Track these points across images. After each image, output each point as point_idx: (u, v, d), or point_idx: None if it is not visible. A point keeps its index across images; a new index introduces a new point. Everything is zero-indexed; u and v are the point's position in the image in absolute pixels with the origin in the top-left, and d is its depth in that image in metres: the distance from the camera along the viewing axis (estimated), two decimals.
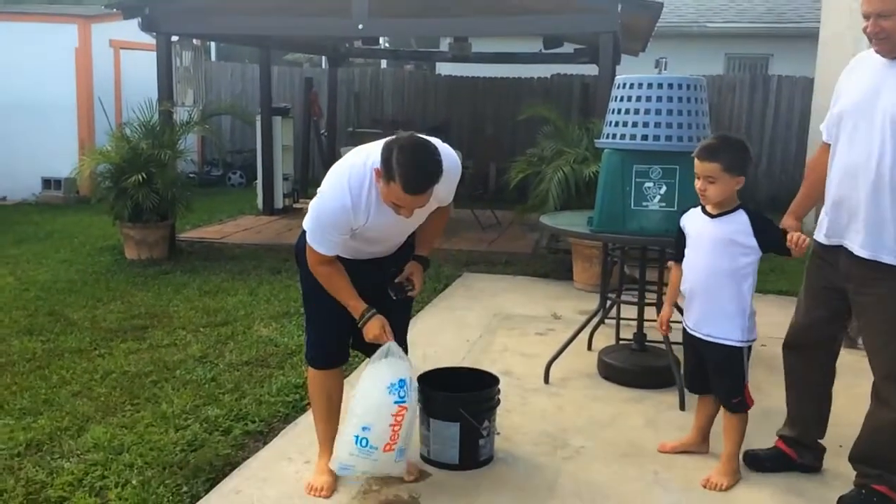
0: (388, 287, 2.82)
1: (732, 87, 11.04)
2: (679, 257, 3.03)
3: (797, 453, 3.07)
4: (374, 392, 2.71)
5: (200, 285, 6.06)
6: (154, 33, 7.35)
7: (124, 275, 6.40)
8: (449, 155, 2.63)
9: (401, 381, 2.72)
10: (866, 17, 2.61)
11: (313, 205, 2.63)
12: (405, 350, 2.90)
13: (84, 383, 3.95)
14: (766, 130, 10.85)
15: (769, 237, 2.82)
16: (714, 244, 2.87)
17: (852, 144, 2.67)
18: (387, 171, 2.42)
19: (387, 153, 2.42)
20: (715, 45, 12.86)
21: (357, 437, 2.71)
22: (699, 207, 2.97)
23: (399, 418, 2.71)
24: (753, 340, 2.93)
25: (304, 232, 2.75)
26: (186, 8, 7.49)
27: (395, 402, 2.70)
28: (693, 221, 2.98)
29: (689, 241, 2.99)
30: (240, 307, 5.46)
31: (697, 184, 2.85)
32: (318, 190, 2.65)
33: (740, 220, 2.83)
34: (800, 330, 2.99)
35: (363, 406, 2.73)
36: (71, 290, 5.86)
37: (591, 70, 10.78)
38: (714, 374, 2.97)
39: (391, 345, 2.75)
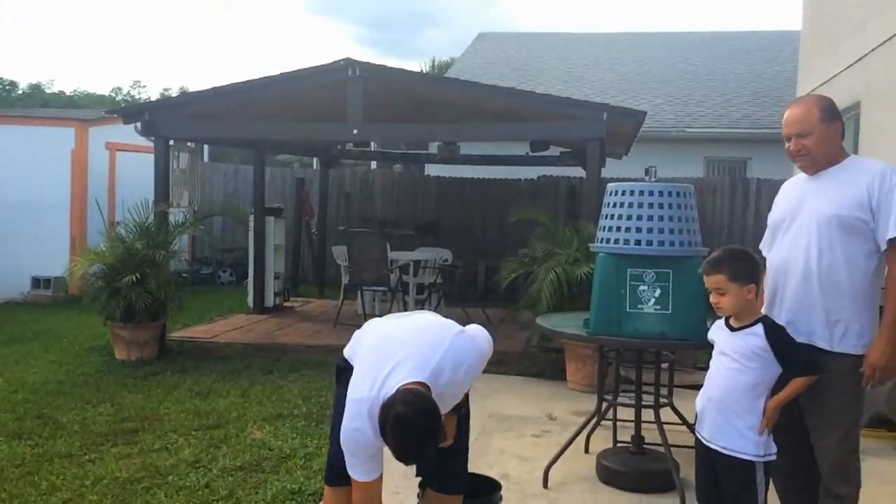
0: None
1: (713, 189, 11.36)
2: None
3: None
4: None
5: (191, 386, 6.01)
6: (153, 137, 7.53)
7: (114, 376, 6.33)
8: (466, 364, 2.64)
9: None
10: (787, 138, 2.97)
11: (341, 435, 2.59)
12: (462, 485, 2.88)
13: (75, 490, 3.87)
14: (748, 231, 11.09)
15: (786, 353, 2.80)
16: (732, 357, 2.87)
17: (783, 247, 2.99)
18: (383, 435, 2.43)
19: (382, 419, 2.42)
20: (694, 149, 13.31)
21: None
22: (724, 319, 2.98)
23: None
24: (772, 456, 2.85)
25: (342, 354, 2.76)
26: (185, 114, 7.72)
27: None
28: (717, 333, 3.00)
29: (713, 353, 3.00)
30: (232, 409, 5.41)
31: (711, 298, 2.91)
32: (342, 427, 2.59)
33: (758, 332, 2.84)
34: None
35: None
36: (60, 391, 5.79)
37: (577, 172, 11.11)
38: (727, 487, 2.90)
39: None
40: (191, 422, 5.09)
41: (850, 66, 6.85)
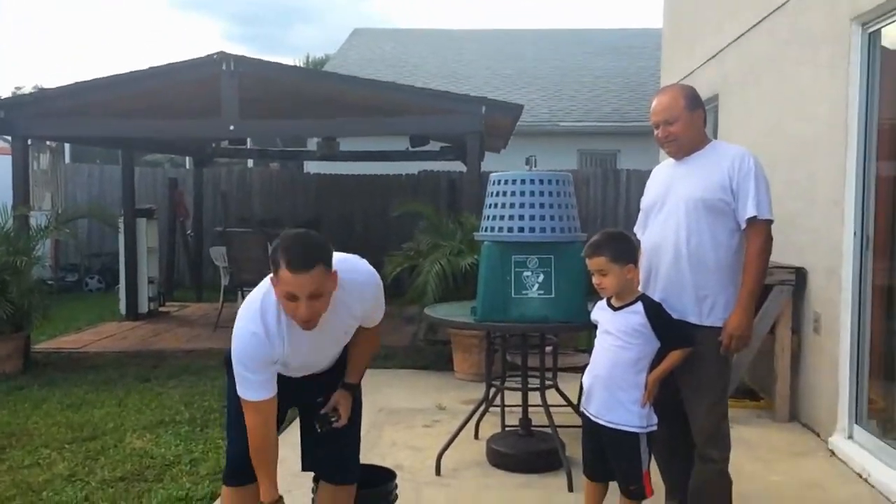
0: (314, 418, 2.73)
1: (586, 180, 11.81)
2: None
3: None
4: None
5: (61, 399, 5.67)
6: (8, 137, 7.05)
7: None
8: (364, 269, 2.65)
9: None
10: (655, 126, 3.16)
11: (232, 345, 2.54)
12: (354, 475, 2.85)
13: None
14: (619, 220, 11.60)
15: (663, 328, 2.96)
16: (616, 336, 3.01)
17: (654, 229, 3.16)
18: (273, 262, 2.40)
19: (272, 248, 2.43)
20: (567, 142, 13.78)
21: None
22: (605, 300, 3.12)
23: None
24: (653, 426, 3.01)
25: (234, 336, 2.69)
26: (45, 110, 7.27)
27: None
28: (600, 314, 3.13)
29: (597, 332, 3.12)
30: (108, 419, 5.14)
31: (594, 280, 3.03)
32: (235, 335, 2.55)
33: (638, 310, 2.99)
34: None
35: None
36: None
37: (456, 167, 11.27)
38: (613, 459, 3.05)
39: None
40: (63, 435, 4.80)
41: (708, 61, 7.29)
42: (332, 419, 2.73)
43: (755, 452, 4.44)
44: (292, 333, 2.52)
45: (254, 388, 2.51)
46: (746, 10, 6.19)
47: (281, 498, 2.56)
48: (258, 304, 2.53)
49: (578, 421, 4.33)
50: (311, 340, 2.56)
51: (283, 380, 2.62)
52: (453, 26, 22.63)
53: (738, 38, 6.37)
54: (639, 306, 2.99)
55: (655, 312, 2.98)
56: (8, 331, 6.48)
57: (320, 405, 2.76)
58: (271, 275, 2.47)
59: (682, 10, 8.52)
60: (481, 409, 4.42)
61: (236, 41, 72.45)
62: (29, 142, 7.19)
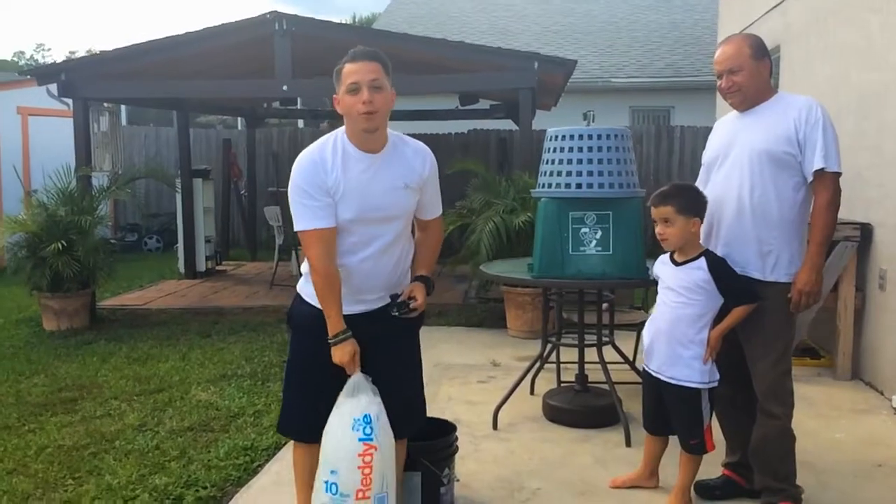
0: (390, 305, 2.69)
1: (639, 138, 11.59)
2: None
3: (745, 479, 3.22)
4: (339, 430, 2.54)
5: (128, 353, 5.88)
6: (71, 99, 7.21)
7: (45, 347, 6.14)
8: (420, 144, 2.79)
9: (365, 416, 2.52)
10: (719, 75, 3.07)
11: (291, 177, 2.62)
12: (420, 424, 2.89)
13: (18, 460, 3.76)
14: (673, 177, 11.37)
15: (727, 284, 2.93)
16: (678, 291, 2.99)
17: (717, 182, 3.09)
18: (337, 73, 2.60)
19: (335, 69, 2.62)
20: (619, 98, 13.53)
21: (327, 482, 2.55)
22: (668, 255, 3.10)
23: (368, 459, 2.50)
24: (714, 382, 3.01)
25: (297, 295, 2.74)
26: (105, 73, 7.40)
27: (361, 440, 2.50)
28: (661, 269, 3.12)
29: (658, 288, 3.11)
30: (173, 373, 5.32)
31: (657, 230, 3.00)
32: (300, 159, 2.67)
33: (702, 265, 2.96)
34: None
35: (330, 446, 2.56)
36: None
37: (506, 125, 11.18)
38: (674, 415, 3.06)
39: (358, 379, 2.58)
40: (131, 388, 4.99)
41: (769, 11, 7.04)
42: (410, 303, 2.69)
43: (817, 410, 4.39)
44: (348, 163, 2.59)
45: (311, 213, 2.56)
46: None
47: (347, 329, 2.58)
48: (319, 140, 2.66)
49: (634, 377, 4.37)
50: (368, 174, 2.61)
51: (350, 323, 2.62)
52: None
53: None
54: (702, 262, 2.96)
55: (719, 268, 2.94)
56: (74, 288, 6.71)
57: (396, 296, 2.71)
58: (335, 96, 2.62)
59: None
60: (537, 364, 4.44)
61: (284, 3, 72.39)
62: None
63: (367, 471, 2.51)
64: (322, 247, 2.56)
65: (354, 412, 2.54)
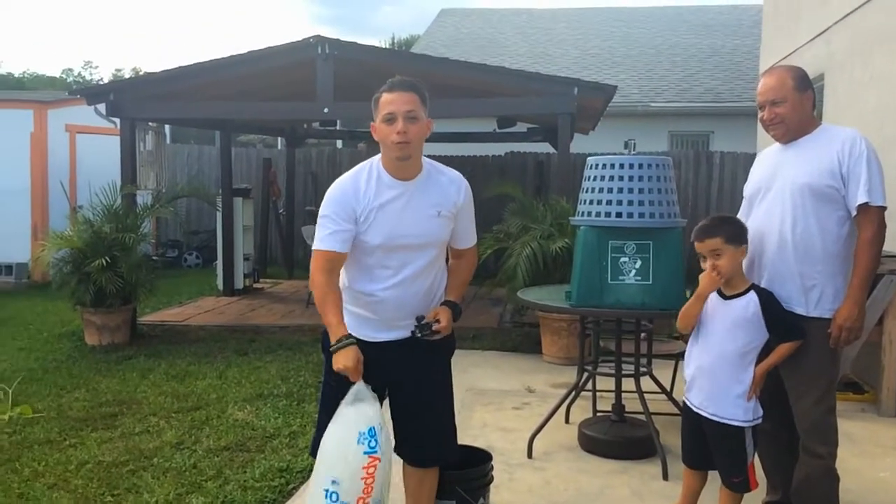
0: (415, 327, 2.69)
1: (678, 163, 11.48)
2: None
3: None
4: (343, 441, 2.55)
5: (167, 370, 5.96)
6: (118, 118, 7.39)
7: (86, 361, 6.26)
8: (456, 173, 2.83)
9: (370, 429, 2.53)
10: (761, 107, 3.03)
11: (328, 196, 2.71)
12: (451, 455, 2.87)
13: (59, 475, 3.83)
14: (712, 203, 11.28)
15: (776, 320, 2.88)
16: (725, 326, 2.93)
17: (758, 216, 3.06)
18: (374, 102, 2.65)
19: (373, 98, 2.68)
20: (658, 123, 13.46)
21: (327, 490, 2.54)
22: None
23: (371, 470, 2.52)
24: (759, 419, 2.95)
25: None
26: (151, 94, 7.58)
27: (366, 453, 2.52)
28: (708, 301, 3.02)
29: (702, 320, 3.02)
30: (210, 391, 5.38)
31: (707, 265, 2.93)
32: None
33: (752, 298, 2.91)
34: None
35: (332, 456, 2.56)
36: (32, 378, 5.70)
37: (543, 147, 11.17)
38: (717, 451, 3.00)
39: (360, 388, 2.57)
40: (170, 404, 5.05)
41: (813, 38, 6.98)
42: (433, 324, 2.69)
43: (860, 447, 4.28)
44: (381, 190, 2.65)
45: (329, 236, 2.62)
46: None
47: (350, 335, 2.58)
48: (355, 168, 2.73)
49: (672, 408, 4.32)
50: (400, 201, 2.66)
51: (374, 350, 2.65)
52: (540, 5, 22.42)
53: (850, 13, 6.07)
54: (752, 295, 2.91)
55: (769, 303, 2.90)
56: (117, 304, 6.84)
57: (421, 318, 2.71)
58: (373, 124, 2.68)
59: None
60: (573, 393, 4.41)
61: (324, 23, 73.57)
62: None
63: (369, 480, 2.54)
64: (326, 266, 2.64)
65: (360, 425, 2.55)
